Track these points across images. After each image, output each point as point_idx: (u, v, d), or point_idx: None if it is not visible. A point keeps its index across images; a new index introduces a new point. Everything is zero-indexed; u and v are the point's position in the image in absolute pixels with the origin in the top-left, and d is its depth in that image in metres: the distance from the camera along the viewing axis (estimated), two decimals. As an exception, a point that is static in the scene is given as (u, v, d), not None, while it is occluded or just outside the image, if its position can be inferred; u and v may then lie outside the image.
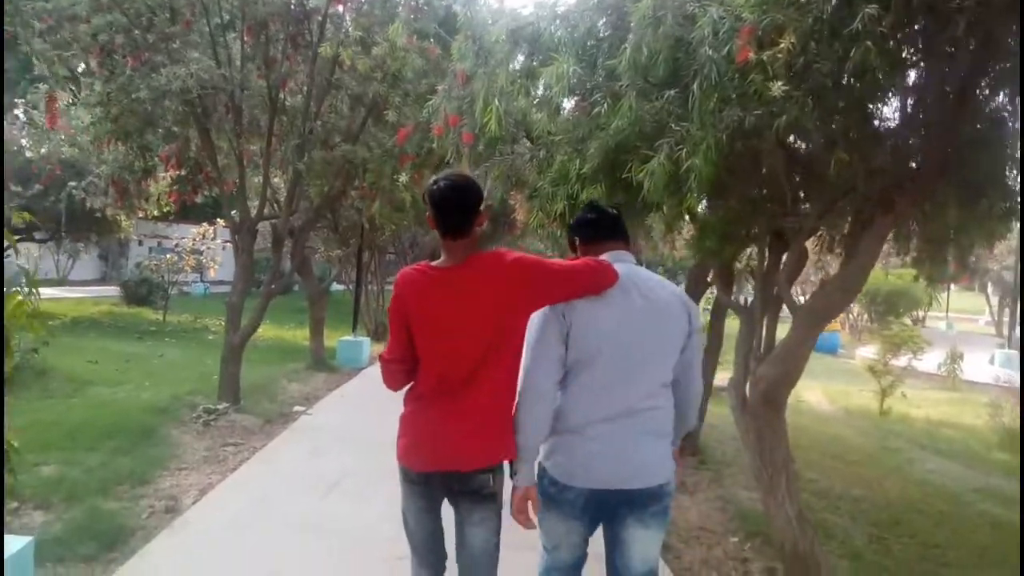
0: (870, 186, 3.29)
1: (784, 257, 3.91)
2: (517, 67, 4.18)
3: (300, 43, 7.18)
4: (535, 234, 9.01)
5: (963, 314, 33.86)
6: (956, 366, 12.27)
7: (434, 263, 2.29)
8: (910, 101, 3.32)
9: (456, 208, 2.18)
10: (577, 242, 2.50)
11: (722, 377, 8.15)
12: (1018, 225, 4.99)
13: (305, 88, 6.97)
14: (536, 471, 2.29)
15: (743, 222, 3.65)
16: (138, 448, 5.53)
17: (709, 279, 6.76)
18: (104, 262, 30.34)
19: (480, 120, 3.97)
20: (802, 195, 3.57)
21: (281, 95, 7.00)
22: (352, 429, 6.83)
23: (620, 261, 2.33)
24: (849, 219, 3.76)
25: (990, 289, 30.10)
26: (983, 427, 9.17)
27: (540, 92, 4.15)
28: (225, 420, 6.53)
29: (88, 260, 27.82)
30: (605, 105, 3.38)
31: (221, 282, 23.29)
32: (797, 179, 3.51)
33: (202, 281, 24.90)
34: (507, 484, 2.31)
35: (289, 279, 9.67)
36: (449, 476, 2.24)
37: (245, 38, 6.89)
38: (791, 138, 3.37)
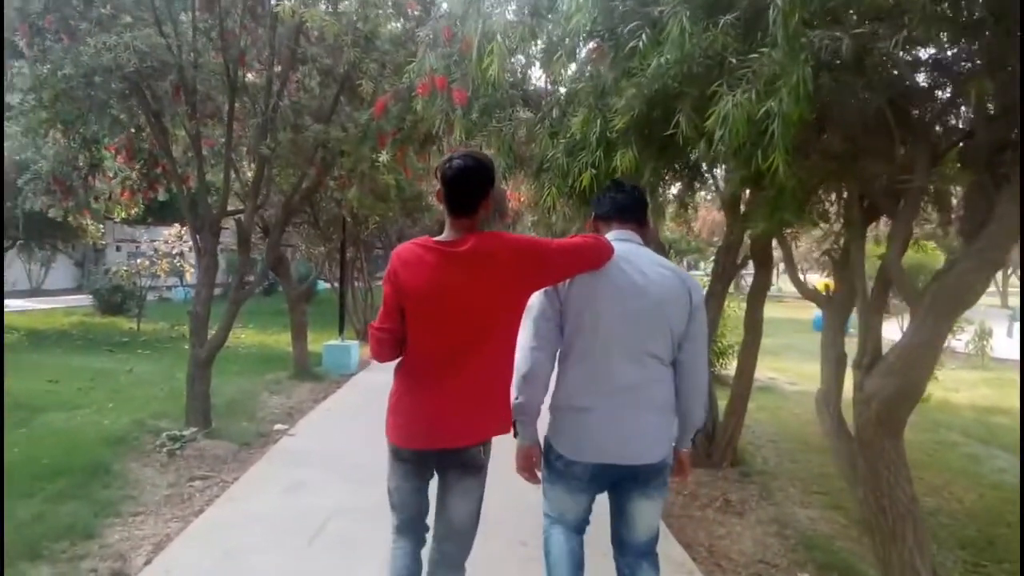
0: (995, 131, 2.48)
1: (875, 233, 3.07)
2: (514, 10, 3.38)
3: (260, 13, 6.28)
4: (540, 216, 8.13)
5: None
6: (986, 343, 11.43)
7: (436, 238, 2.27)
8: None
9: (465, 186, 2.21)
10: (592, 216, 2.56)
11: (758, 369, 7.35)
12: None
13: (268, 61, 6.05)
14: (542, 444, 2.42)
15: (829, 184, 2.81)
16: (87, 490, 4.69)
17: (739, 261, 5.94)
18: (80, 269, 29.20)
19: (475, 73, 3.14)
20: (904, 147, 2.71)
21: (241, 72, 6.09)
22: (341, 452, 5.95)
23: (622, 240, 2.38)
24: (955, 176, 2.93)
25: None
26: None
27: (549, 36, 3.33)
28: (193, 448, 5.66)
29: (63, 268, 26.69)
30: (643, 38, 2.55)
31: (203, 285, 22.31)
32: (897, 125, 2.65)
33: (183, 285, 23.91)
34: (494, 454, 2.39)
35: (262, 280, 8.79)
36: (442, 451, 2.30)
37: (197, 12, 5.99)
38: (891, 66, 2.54)
